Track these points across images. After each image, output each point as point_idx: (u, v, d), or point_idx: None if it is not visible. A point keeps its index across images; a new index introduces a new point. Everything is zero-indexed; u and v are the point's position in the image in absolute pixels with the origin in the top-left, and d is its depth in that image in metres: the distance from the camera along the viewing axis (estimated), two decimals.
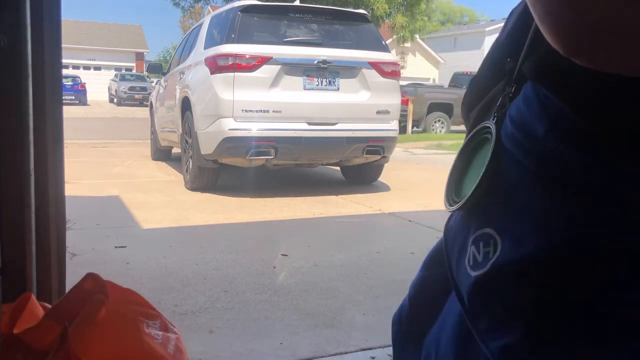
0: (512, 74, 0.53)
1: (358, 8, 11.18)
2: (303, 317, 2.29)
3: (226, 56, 4.76)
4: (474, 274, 0.47)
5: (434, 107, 15.77)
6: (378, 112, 5.13)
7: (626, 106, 0.39)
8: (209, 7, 20.51)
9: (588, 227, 0.41)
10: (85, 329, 1.24)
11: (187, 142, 5.41)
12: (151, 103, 8.19)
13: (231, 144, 4.75)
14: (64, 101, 1.76)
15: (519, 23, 0.56)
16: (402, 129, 13.47)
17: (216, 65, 4.81)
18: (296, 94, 4.86)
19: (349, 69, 5.03)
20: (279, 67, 4.78)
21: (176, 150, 6.78)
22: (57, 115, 1.61)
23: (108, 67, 36.91)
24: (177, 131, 5.95)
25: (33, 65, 1.51)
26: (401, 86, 5.54)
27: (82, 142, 10.13)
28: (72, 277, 1.58)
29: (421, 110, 15.48)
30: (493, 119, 0.52)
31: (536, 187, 0.45)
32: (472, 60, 43.29)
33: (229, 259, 3.06)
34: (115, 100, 30.50)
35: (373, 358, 1.94)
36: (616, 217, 0.40)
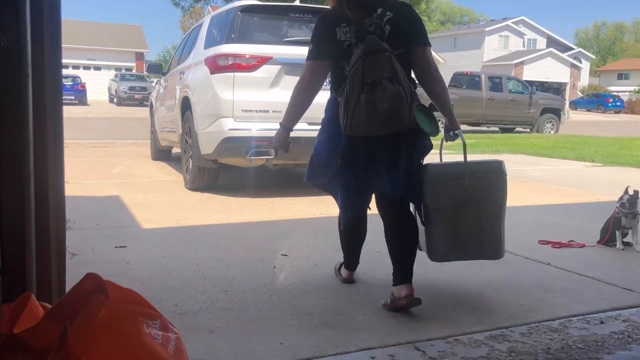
0: None
1: None
2: (303, 317, 2.29)
3: (226, 56, 4.76)
4: None
5: (434, 107, 15.68)
6: None
7: None
8: (209, 7, 20.53)
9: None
10: (85, 329, 1.24)
11: (187, 142, 5.41)
12: (151, 103, 8.19)
13: (231, 144, 4.74)
14: (64, 101, 1.75)
15: None
16: None
17: (216, 65, 4.81)
18: None
19: None
20: (279, 67, 4.78)
21: (176, 150, 6.78)
22: (57, 115, 1.61)
23: (108, 67, 36.88)
24: (177, 131, 5.94)
25: (33, 65, 1.51)
26: None
27: (82, 142, 10.12)
28: (72, 277, 1.58)
29: None
30: None
31: None
32: (472, 60, 43.27)
33: (229, 259, 3.06)
34: (115, 100, 30.46)
35: (373, 358, 1.94)
36: None
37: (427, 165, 2.41)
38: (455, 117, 2.47)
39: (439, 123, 2.41)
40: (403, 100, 2.14)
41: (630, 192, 3.44)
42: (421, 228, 2.47)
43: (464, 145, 2.39)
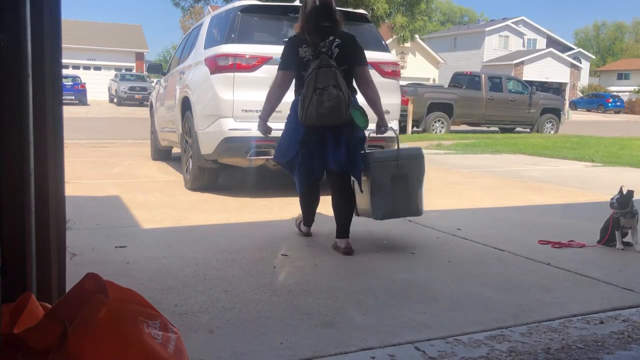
0: None
1: (358, 8, 11.18)
2: (303, 317, 2.29)
3: (226, 56, 4.76)
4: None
5: (434, 107, 15.76)
6: None
7: None
8: (209, 7, 20.50)
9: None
10: (85, 329, 1.24)
11: (187, 142, 5.41)
12: (151, 103, 8.18)
13: (231, 144, 4.74)
14: (64, 101, 1.76)
15: None
16: (402, 129, 13.45)
17: (216, 65, 4.81)
18: None
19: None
20: None
21: (176, 150, 6.78)
22: (57, 115, 1.61)
23: (108, 67, 36.87)
24: (177, 131, 5.94)
25: (33, 65, 1.51)
26: (401, 86, 5.53)
27: (82, 142, 10.13)
28: (72, 277, 1.58)
29: (421, 110, 15.47)
30: None
31: None
32: (472, 60, 43.29)
33: (229, 259, 3.07)
34: (115, 100, 30.46)
35: (373, 358, 1.94)
36: None
37: (373, 152, 3.41)
38: (385, 117, 3.43)
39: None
40: (342, 102, 3.07)
41: (624, 191, 3.44)
42: (359, 198, 3.37)
43: (397, 138, 3.57)
